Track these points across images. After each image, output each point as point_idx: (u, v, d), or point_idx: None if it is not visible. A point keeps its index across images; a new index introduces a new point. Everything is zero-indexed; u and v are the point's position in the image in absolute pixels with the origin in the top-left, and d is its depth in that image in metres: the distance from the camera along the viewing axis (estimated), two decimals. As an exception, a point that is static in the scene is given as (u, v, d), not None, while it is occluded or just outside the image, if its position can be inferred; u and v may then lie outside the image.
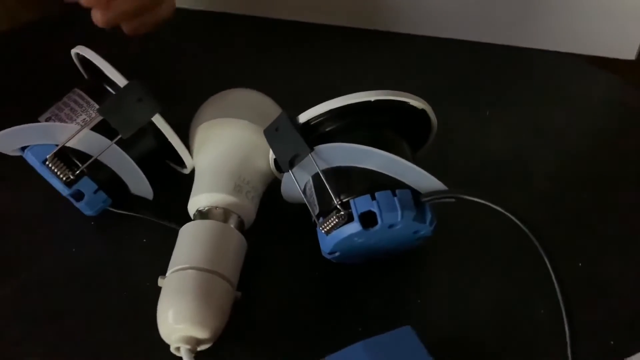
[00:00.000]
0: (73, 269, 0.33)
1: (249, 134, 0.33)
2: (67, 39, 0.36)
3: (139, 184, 0.33)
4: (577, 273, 0.33)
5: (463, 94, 0.44)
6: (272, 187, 0.34)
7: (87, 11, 0.37)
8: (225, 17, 0.49)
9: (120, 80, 0.31)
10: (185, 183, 0.34)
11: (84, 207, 0.33)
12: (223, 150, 0.33)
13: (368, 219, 0.28)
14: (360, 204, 0.28)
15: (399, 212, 0.28)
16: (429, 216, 0.29)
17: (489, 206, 0.27)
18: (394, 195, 0.28)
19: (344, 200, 0.29)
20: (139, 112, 0.30)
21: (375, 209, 0.28)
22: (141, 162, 0.33)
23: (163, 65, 0.45)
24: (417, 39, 0.48)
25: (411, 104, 0.30)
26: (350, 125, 0.30)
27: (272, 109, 0.35)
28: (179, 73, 0.45)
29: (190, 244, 0.29)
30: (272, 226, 0.34)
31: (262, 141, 0.31)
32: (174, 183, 0.36)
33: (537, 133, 0.42)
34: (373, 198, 0.28)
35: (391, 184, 0.29)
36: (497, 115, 0.43)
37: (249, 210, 0.32)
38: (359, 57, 0.47)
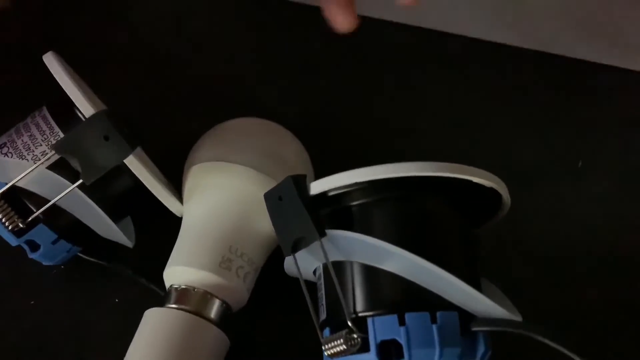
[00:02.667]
0: (25, 330, 0.27)
1: (251, 187, 0.25)
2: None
3: (111, 231, 0.26)
4: None
5: (545, 125, 0.33)
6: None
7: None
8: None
9: (86, 109, 0.23)
10: (179, 225, 0.27)
11: (41, 259, 0.26)
12: (213, 208, 0.25)
13: (390, 350, 0.20)
14: (382, 327, 0.20)
15: (437, 350, 0.19)
16: (480, 350, 0.20)
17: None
18: (433, 320, 0.20)
19: (360, 315, 0.20)
20: (105, 153, 0.23)
21: (402, 340, 0.19)
22: (115, 205, 0.26)
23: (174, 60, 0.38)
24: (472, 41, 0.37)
25: (476, 181, 0.21)
26: (384, 203, 0.21)
27: (289, 148, 0.27)
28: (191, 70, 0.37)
29: (149, 343, 0.22)
30: (268, 301, 0.26)
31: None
32: (170, 224, 0.27)
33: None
34: (402, 321, 0.19)
35: (431, 302, 0.20)
36: (592, 164, 0.32)
37: (239, 292, 0.24)
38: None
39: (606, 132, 0.34)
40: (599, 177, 0.32)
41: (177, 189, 0.28)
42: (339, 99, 0.35)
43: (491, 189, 0.22)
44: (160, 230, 0.28)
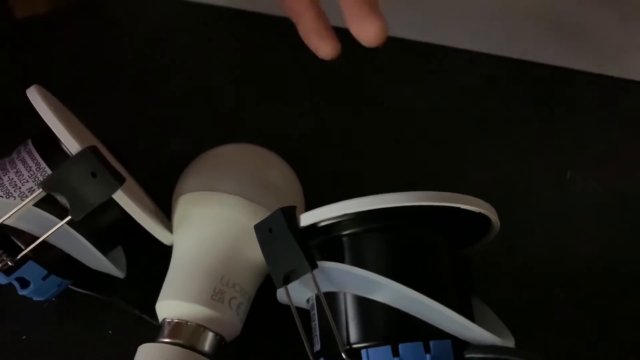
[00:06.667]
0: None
1: (241, 216, 0.25)
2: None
3: (101, 264, 0.26)
4: None
5: (533, 137, 0.34)
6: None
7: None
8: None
9: (73, 146, 0.23)
10: (170, 254, 0.27)
11: (32, 295, 0.26)
12: (203, 239, 0.25)
13: (385, 381, 0.20)
14: (376, 359, 0.20)
15: (431, 380, 0.19)
16: (475, 376, 0.20)
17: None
18: (427, 349, 0.20)
19: (354, 347, 0.20)
20: (92, 190, 0.23)
21: (396, 371, 0.19)
22: (104, 237, 0.26)
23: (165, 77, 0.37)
24: (461, 52, 0.37)
25: (464, 208, 0.21)
26: (375, 233, 0.21)
27: (279, 174, 0.27)
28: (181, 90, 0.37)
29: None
30: (261, 330, 0.26)
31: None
32: (161, 254, 0.27)
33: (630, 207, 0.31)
34: (395, 352, 0.20)
35: (424, 331, 0.20)
36: (579, 178, 0.32)
37: (232, 323, 0.24)
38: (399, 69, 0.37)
39: (589, 140, 0.34)
40: (588, 186, 0.32)
41: (166, 214, 0.28)
42: (327, 118, 0.35)
43: (480, 213, 0.22)
44: (151, 259, 0.27)
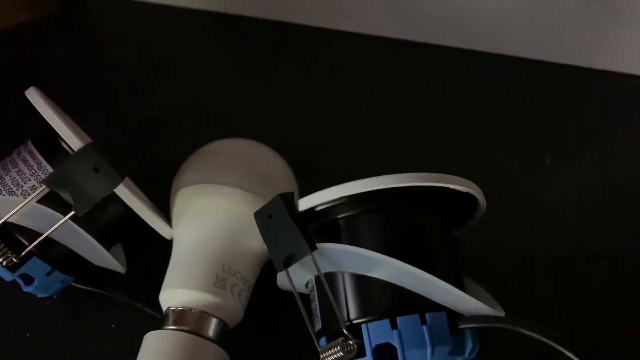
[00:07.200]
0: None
1: (240, 207, 0.26)
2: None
3: (104, 259, 0.27)
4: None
5: (511, 129, 0.35)
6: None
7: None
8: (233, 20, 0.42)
9: (74, 142, 0.24)
10: (167, 249, 0.27)
11: (36, 291, 0.26)
12: (204, 230, 0.26)
13: (384, 353, 0.21)
14: (376, 332, 0.21)
15: (429, 350, 0.20)
16: (469, 346, 0.21)
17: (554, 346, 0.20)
18: (423, 321, 0.21)
19: (355, 322, 0.22)
20: (95, 184, 0.24)
21: (395, 343, 0.20)
22: (106, 233, 0.26)
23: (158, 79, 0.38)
24: (457, 52, 0.39)
25: (452, 188, 0.22)
26: (370, 214, 0.22)
27: (273, 166, 0.28)
28: (175, 91, 0.37)
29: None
30: (262, 317, 0.27)
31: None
32: (159, 249, 0.28)
33: (608, 188, 0.33)
34: (394, 325, 0.21)
35: (420, 304, 0.21)
36: (559, 163, 0.34)
37: (235, 309, 0.25)
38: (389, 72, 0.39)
39: (565, 128, 0.36)
40: (567, 171, 0.34)
41: (163, 212, 0.29)
42: (316, 115, 0.36)
43: (467, 194, 0.23)
44: (149, 254, 0.28)
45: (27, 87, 0.27)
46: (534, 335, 0.20)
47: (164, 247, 0.28)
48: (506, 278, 0.29)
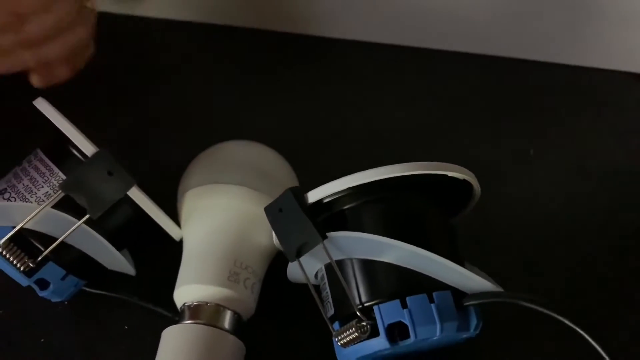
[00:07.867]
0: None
1: (247, 204, 0.27)
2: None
3: (116, 262, 0.28)
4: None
5: (495, 123, 0.37)
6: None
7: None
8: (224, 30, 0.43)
9: (87, 148, 0.25)
10: (180, 250, 0.28)
11: (51, 296, 0.27)
12: (214, 228, 0.27)
13: (397, 331, 0.22)
14: (388, 312, 0.22)
15: (438, 326, 0.22)
16: (473, 322, 0.23)
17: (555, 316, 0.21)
18: (431, 300, 0.22)
19: (367, 305, 0.23)
20: (109, 188, 0.25)
21: (407, 321, 0.22)
22: (118, 236, 0.27)
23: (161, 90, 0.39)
24: (442, 54, 0.41)
25: (451, 175, 0.24)
26: (375, 203, 0.24)
27: (275, 164, 0.29)
28: (180, 100, 0.38)
29: (173, 358, 0.24)
30: (273, 310, 0.28)
31: (263, 211, 0.25)
32: (165, 251, 0.29)
33: (587, 176, 0.35)
34: (404, 305, 0.22)
35: (427, 284, 0.23)
36: (541, 154, 0.36)
37: (248, 302, 0.26)
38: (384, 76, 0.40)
39: (548, 121, 0.38)
40: (549, 162, 0.36)
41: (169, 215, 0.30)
42: (311, 117, 0.38)
43: (463, 182, 0.25)
44: (155, 256, 0.29)
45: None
46: (535, 307, 0.22)
47: (169, 248, 0.28)
48: (497, 264, 0.31)
